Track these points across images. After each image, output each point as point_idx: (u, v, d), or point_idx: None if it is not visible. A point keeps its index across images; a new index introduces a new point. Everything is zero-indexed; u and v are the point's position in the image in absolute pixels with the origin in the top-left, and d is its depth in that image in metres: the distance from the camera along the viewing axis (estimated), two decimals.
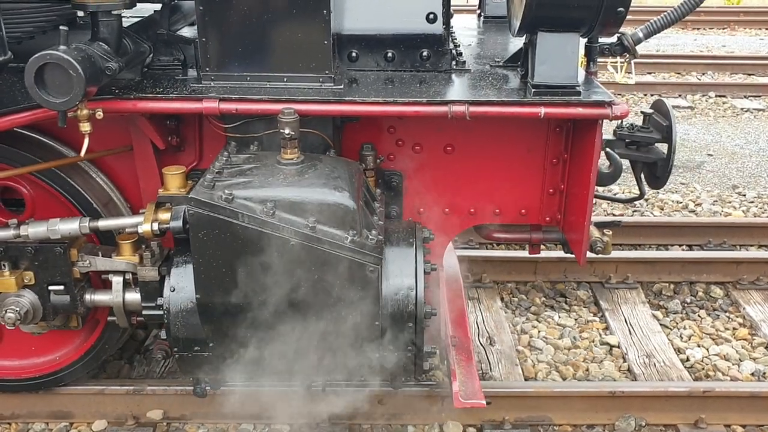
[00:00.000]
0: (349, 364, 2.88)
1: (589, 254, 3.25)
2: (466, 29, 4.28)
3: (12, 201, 3.49)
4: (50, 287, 3.17)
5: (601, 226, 3.39)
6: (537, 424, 3.72)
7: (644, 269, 5.01)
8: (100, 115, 2.77)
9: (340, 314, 2.76)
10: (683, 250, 5.50)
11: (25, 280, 3.15)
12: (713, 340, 4.47)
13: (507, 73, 3.29)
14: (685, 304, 4.84)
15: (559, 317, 4.66)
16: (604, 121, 2.93)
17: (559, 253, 4.85)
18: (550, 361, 4.22)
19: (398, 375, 2.98)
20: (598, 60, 3.24)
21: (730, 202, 6.47)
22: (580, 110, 2.89)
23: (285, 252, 2.65)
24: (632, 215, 6.11)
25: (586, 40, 3.11)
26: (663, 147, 3.38)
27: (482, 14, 4.53)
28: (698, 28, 14.24)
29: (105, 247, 3.26)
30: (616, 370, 4.16)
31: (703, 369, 4.17)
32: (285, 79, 2.99)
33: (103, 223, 3.11)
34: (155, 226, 2.93)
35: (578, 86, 2.92)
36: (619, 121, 3.25)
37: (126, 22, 3.06)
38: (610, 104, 2.88)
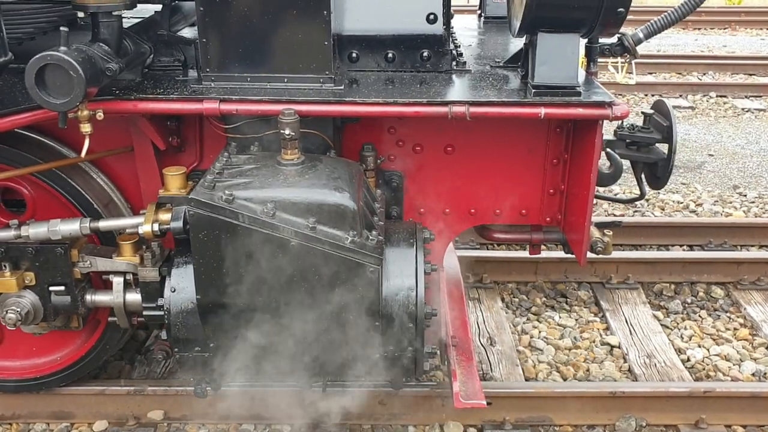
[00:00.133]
0: (350, 364, 2.88)
1: (590, 254, 3.25)
2: (466, 30, 4.28)
3: (13, 202, 3.49)
4: (51, 288, 3.18)
5: (601, 226, 3.38)
6: (537, 425, 3.72)
7: (645, 269, 5.01)
8: (100, 115, 2.77)
9: (340, 315, 2.76)
10: (684, 250, 5.49)
11: (26, 281, 3.16)
12: (714, 340, 4.46)
13: (507, 73, 3.29)
14: (686, 305, 4.83)
15: (560, 317, 4.66)
16: (605, 121, 2.93)
17: (560, 254, 4.84)
18: (551, 362, 4.22)
19: (399, 375, 2.98)
20: (599, 60, 3.24)
21: (731, 203, 6.46)
22: (580, 111, 2.89)
23: (285, 252, 2.65)
24: (633, 215, 6.11)
25: (586, 40, 3.11)
26: (663, 147, 3.38)
27: (482, 15, 4.54)
28: (699, 28, 14.23)
29: (106, 248, 3.27)
30: (617, 370, 4.16)
31: (704, 369, 4.17)
32: (285, 80, 2.99)
33: (103, 224, 3.11)
34: (156, 227, 2.93)
35: (578, 87, 2.91)
36: (620, 122, 3.25)
37: (126, 23, 3.06)
38: (610, 105, 2.88)
